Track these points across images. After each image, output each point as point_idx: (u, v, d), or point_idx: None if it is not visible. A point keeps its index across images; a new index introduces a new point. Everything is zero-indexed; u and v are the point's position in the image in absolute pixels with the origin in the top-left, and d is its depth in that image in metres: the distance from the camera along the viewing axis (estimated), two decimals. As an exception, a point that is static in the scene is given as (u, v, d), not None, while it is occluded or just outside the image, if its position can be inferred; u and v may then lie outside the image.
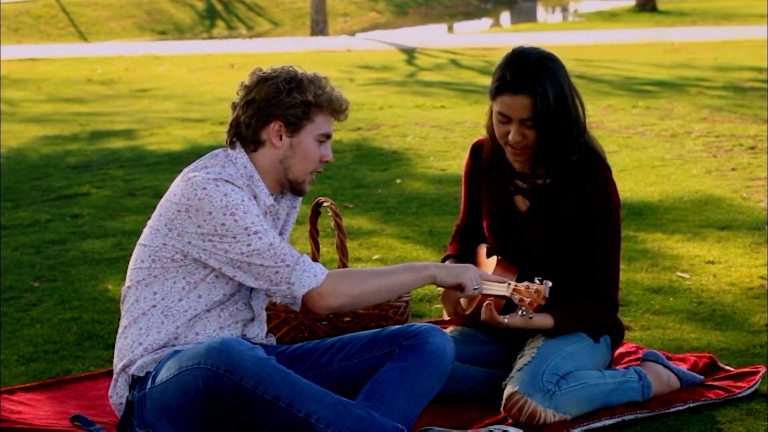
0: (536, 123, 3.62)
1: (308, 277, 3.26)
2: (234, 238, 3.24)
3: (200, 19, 28.12)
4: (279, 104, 3.33)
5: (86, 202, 7.24)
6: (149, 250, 3.34)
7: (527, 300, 3.44)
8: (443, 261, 3.97)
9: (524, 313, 3.46)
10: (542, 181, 3.76)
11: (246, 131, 3.36)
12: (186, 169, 3.38)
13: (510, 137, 3.66)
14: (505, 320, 3.54)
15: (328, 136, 3.42)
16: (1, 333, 4.67)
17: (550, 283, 3.43)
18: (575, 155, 3.71)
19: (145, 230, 3.39)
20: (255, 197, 3.36)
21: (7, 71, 16.57)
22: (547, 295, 3.42)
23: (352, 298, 3.31)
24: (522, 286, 3.47)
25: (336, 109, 3.40)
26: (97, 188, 7.61)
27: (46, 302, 5.09)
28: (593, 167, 3.71)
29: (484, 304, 3.57)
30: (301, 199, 3.56)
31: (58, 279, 5.47)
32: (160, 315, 3.34)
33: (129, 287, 3.40)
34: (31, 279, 5.49)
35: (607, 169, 3.75)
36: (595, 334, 3.77)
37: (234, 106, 3.41)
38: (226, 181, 3.28)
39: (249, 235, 3.24)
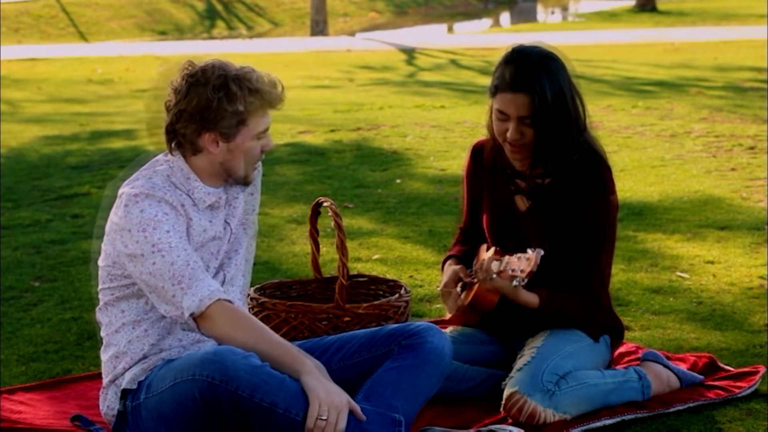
0: (534, 121, 3.63)
1: (193, 301, 3.20)
2: (143, 255, 3.22)
3: (200, 20, 28.12)
4: (210, 118, 3.27)
5: (86, 202, 7.24)
6: (105, 271, 3.37)
7: (519, 268, 3.46)
8: (445, 261, 3.98)
9: (519, 283, 3.48)
10: (542, 181, 3.77)
11: (183, 140, 3.33)
12: (124, 182, 3.38)
13: (508, 135, 3.67)
14: (494, 275, 3.55)
15: (266, 130, 3.38)
16: (2, 333, 4.67)
17: (542, 251, 3.45)
18: (575, 155, 3.71)
19: (101, 251, 3.40)
20: (193, 197, 3.33)
21: (8, 71, 16.57)
22: (539, 262, 3.44)
23: (221, 337, 3.21)
24: (514, 258, 3.49)
25: (272, 103, 3.35)
26: (97, 188, 7.62)
27: (46, 302, 5.10)
28: (593, 167, 3.72)
29: (487, 256, 3.60)
30: (259, 183, 3.53)
31: (58, 279, 5.48)
32: (131, 331, 3.35)
33: (99, 309, 3.43)
34: (32, 279, 5.49)
35: (607, 170, 3.75)
36: (594, 334, 3.78)
37: (167, 108, 3.34)
38: (147, 195, 3.26)
39: (153, 252, 3.20)
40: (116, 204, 3.31)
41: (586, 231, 3.71)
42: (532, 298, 3.67)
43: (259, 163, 3.44)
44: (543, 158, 3.71)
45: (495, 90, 3.67)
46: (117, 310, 3.36)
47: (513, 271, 3.49)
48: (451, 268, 3.89)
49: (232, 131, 3.30)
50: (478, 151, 3.91)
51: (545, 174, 3.76)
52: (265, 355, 3.16)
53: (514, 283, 3.51)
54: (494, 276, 3.55)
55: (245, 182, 3.42)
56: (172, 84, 3.34)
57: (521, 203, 3.81)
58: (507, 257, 3.55)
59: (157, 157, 3.43)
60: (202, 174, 3.36)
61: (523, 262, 3.48)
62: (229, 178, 3.39)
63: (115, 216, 3.29)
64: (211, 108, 3.26)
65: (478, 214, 3.95)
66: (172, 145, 3.36)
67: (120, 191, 3.32)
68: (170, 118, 3.33)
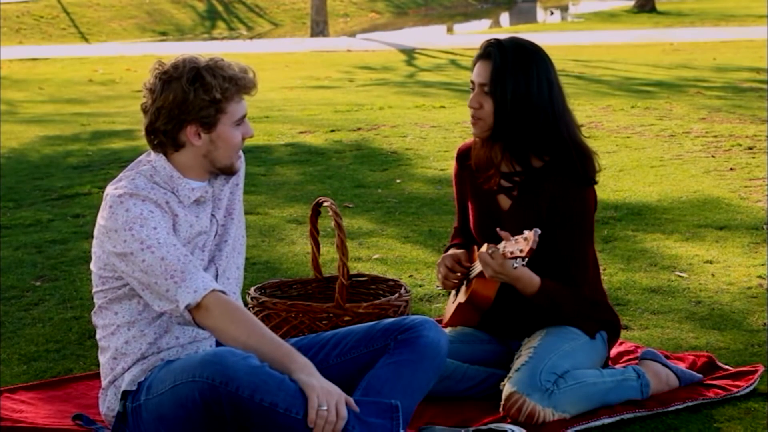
0: (492, 90, 3.68)
1: (188, 293, 3.20)
2: (132, 254, 3.23)
3: (201, 20, 28.13)
4: (189, 109, 3.29)
5: (87, 201, 7.26)
6: (96, 275, 3.38)
7: (518, 248, 3.48)
8: (448, 249, 3.99)
9: (518, 264, 3.50)
10: (521, 178, 3.78)
11: (164, 137, 3.34)
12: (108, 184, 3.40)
13: (468, 102, 3.75)
14: (502, 260, 3.55)
15: (244, 116, 3.40)
16: (3, 332, 4.69)
17: (539, 231, 3.47)
18: (556, 149, 3.72)
19: (92, 255, 3.42)
20: (177, 194, 3.35)
21: (9, 72, 16.60)
22: (537, 239, 3.45)
23: (216, 329, 3.23)
24: (510, 241, 3.51)
25: (246, 88, 3.35)
26: (98, 188, 7.62)
27: (47, 301, 5.11)
28: (571, 164, 3.73)
29: (488, 246, 3.61)
30: (242, 174, 3.55)
31: (59, 278, 5.49)
32: (127, 332, 3.36)
33: (94, 312, 3.44)
34: (33, 278, 5.51)
35: (589, 167, 3.74)
36: (590, 330, 3.78)
37: (144, 110, 3.36)
38: (131, 195, 3.27)
39: (143, 249, 3.22)
40: (101, 206, 3.33)
41: (569, 223, 3.72)
42: (534, 280, 3.66)
43: (242, 153, 3.47)
44: (514, 146, 3.74)
45: (472, 66, 3.79)
46: (111, 312, 3.38)
47: (512, 253, 3.50)
48: (453, 250, 3.92)
49: (212, 120, 3.32)
50: (462, 154, 3.94)
51: (525, 171, 3.78)
52: (256, 350, 3.17)
53: (515, 264, 3.52)
54: (503, 261, 3.54)
55: (231, 171, 3.44)
56: (145, 85, 3.36)
57: (504, 202, 3.82)
58: (503, 242, 3.56)
59: (139, 158, 3.45)
60: (186, 170, 3.37)
61: (521, 242, 3.49)
62: (215, 169, 3.41)
63: (101, 218, 3.31)
64: (188, 100, 3.28)
65: (468, 214, 3.96)
66: (154, 144, 3.38)
67: (105, 193, 3.34)
68: (149, 117, 3.35)
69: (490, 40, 3.76)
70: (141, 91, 3.43)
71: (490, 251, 3.58)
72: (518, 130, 3.70)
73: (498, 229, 3.62)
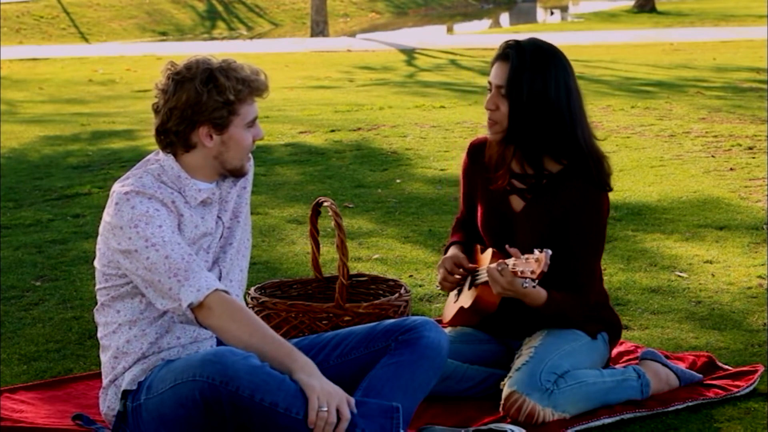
0: (508, 91, 3.66)
1: (191, 292, 3.20)
2: (137, 251, 3.23)
3: (201, 20, 28.13)
4: (202, 110, 3.29)
5: (87, 201, 7.26)
6: (100, 272, 3.38)
7: (529, 269, 3.46)
8: (448, 247, 3.98)
9: (528, 284, 3.47)
10: (537, 181, 3.77)
11: (176, 138, 3.35)
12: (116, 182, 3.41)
13: (485, 103, 3.74)
14: (511, 279, 3.52)
15: (255, 118, 3.40)
16: (3, 332, 4.69)
17: (550, 252, 3.45)
18: (573, 154, 3.72)
19: (96, 251, 3.43)
20: (184, 195, 3.35)
21: (9, 72, 16.60)
22: (548, 262, 3.43)
23: (218, 328, 3.23)
24: (521, 259, 3.49)
25: (258, 90, 3.36)
26: (98, 188, 7.63)
27: (47, 301, 5.12)
28: (588, 170, 3.72)
29: (485, 258, 3.60)
30: (251, 177, 3.55)
31: (59, 278, 5.49)
32: (128, 331, 3.37)
33: (96, 309, 3.45)
34: (33, 278, 5.51)
35: (604, 173, 3.73)
36: (591, 331, 3.78)
37: (156, 110, 3.37)
38: (137, 192, 3.28)
39: (147, 247, 3.22)
40: (108, 203, 3.34)
41: (582, 230, 3.71)
42: (541, 294, 3.65)
43: (251, 155, 3.47)
44: (528, 149, 3.72)
45: (491, 66, 3.77)
46: (113, 310, 3.38)
47: (522, 273, 3.49)
48: (454, 251, 3.91)
49: (225, 121, 3.32)
50: (474, 149, 3.92)
51: (541, 175, 3.76)
52: (258, 350, 3.17)
53: (525, 285, 3.50)
54: (512, 279, 3.52)
55: (241, 173, 3.44)
56: (157, 86, 3.37)
57: (516, 203, 3.81)
58: (513, 259, 3.55)
59: (148, 157, 3.45)
60: (195, 170, 3.38)
61: (532, 263, 3.47)
62: (224, 171, 3.41)
63: (107, 215, 3.32)
64: (201, 101, 3.28)
65: (475, 209, 3.95)
66: (165, 144, 3.38)
67: (111, 190, 3.35)
68: (160, 118, 3.35)
69: (509, 41, 3.72)
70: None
71: (499, 268, 3.56)
72: (533, 132, 3.68)
73: (507, 246, 3.60)
